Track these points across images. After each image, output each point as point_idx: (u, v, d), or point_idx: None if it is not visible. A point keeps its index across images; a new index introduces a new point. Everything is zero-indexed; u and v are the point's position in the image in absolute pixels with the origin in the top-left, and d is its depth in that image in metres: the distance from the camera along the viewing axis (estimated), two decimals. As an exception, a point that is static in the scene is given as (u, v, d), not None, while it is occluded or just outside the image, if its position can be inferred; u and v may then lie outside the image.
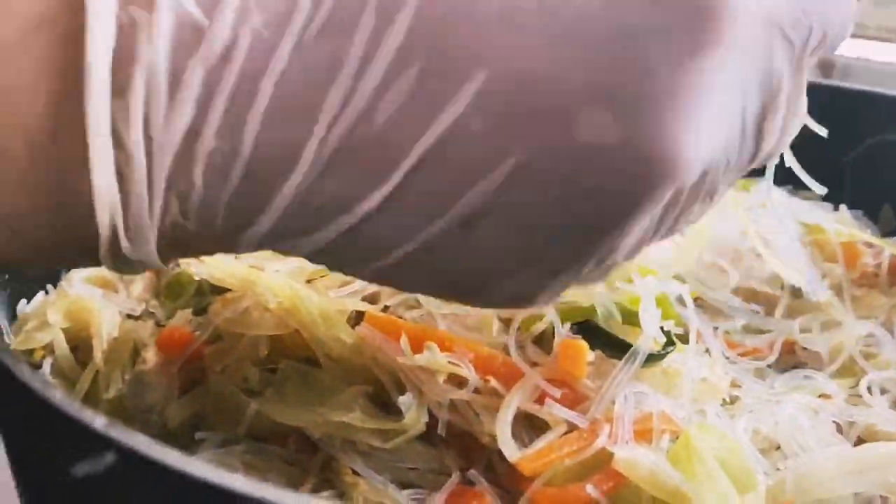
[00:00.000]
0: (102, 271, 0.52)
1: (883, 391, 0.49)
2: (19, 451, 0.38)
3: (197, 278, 0.49)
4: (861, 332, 0.52)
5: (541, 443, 0.41)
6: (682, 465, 0.41)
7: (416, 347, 0.42)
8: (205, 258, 0.48)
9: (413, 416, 0.40)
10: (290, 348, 0.45)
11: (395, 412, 0.42)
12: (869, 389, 0.48)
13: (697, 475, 0.40)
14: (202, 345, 0.46)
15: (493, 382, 0.41)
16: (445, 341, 0.43)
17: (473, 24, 0.27)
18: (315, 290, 0.46)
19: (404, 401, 0.40)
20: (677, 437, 0.43)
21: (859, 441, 0.45)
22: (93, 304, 0.48)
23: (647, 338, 0.42)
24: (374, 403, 0.43)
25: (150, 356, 0.46)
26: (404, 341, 0.42)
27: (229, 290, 0.48)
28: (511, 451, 0.39)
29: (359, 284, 0.46)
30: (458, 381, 0.42)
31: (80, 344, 0.48)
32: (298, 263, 0.47)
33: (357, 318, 0.45)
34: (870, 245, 0.57)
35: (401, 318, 0.45)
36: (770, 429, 0.44)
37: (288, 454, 0.43)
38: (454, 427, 0.42)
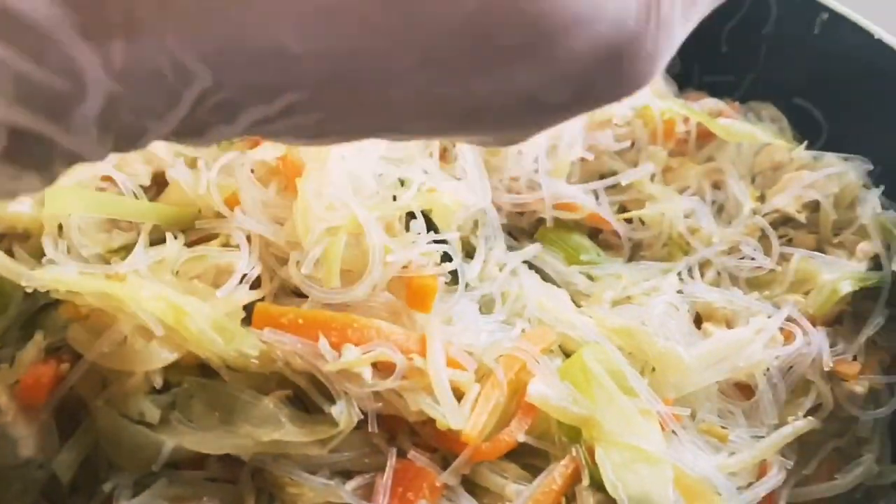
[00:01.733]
0: None
1: (706, 266, 0.56)
2: None
3: (28, 289, 0.40)
4: (685, 207, 0.58)
5: (466, 406, 0.42)
6: (581, 387, 0.45)
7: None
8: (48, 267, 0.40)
9: (347, 419, 0.40)
10: (181, 362, 0.40)
11: (318, 410, 0.41)
12: (700, 272, 0.55)
13: (598, 398, 0.44)
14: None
15: (417, 360, 0.41)
16: (350, 328, 0.41)
17: None
18: (192, 290, 0.40)
19: (337, 410, 0.39)
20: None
21: (697, 317, 0.53)
22: None
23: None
24: (294, 406, 0.41)
25: (6, 403, 0.39)
26: (324, 344, 0.39)
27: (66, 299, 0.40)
28: (459, 420, 0.40)
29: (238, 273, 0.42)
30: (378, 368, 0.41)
31: None
32: (162, 259, 0.41)
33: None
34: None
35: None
36: (638, 328, 0.49)
37: (211, 474, 0.40)
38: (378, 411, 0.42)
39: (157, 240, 0.44)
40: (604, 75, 0.28)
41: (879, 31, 0.58)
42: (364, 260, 0.43)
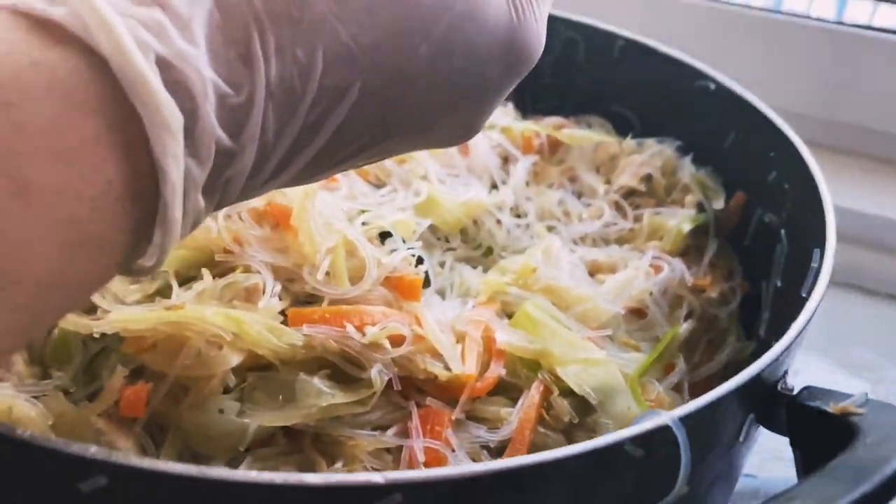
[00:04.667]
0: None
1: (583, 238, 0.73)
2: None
3: (96, 335, 0.48)
4: (556, 198, 0.75)
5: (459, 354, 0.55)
6: (531, 331, 0.59)
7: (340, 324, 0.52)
8: (109, 313, 0.48)
9: (380, 379, 0.51)
10: (240, 364, 0.50)
11: (350, 381, 0.52)
12: (583, 240, 0.72)
13: (545, 336, 0.59)
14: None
15: (418, 329, 0.54)
16: (365, 315, 0.53)
17: None
18: (242, 307, 0.50)
19: (374, 373, 0.50)
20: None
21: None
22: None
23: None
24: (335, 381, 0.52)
25: (103, 426, 0.46)
26: (351, 329, 0.51)
27: (124, 337, 0.49)
28: (458, 365, 0.53)
29: (269, 288, 0.52)
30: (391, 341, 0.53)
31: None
32: (203, 290, 0.51)
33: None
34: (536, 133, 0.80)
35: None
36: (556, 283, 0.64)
37: (280, 449, 0.50)
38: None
39: (180, 280, 0.53)
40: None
41: (663, 48, 0.80)
42: (360, 266, 0.55)
